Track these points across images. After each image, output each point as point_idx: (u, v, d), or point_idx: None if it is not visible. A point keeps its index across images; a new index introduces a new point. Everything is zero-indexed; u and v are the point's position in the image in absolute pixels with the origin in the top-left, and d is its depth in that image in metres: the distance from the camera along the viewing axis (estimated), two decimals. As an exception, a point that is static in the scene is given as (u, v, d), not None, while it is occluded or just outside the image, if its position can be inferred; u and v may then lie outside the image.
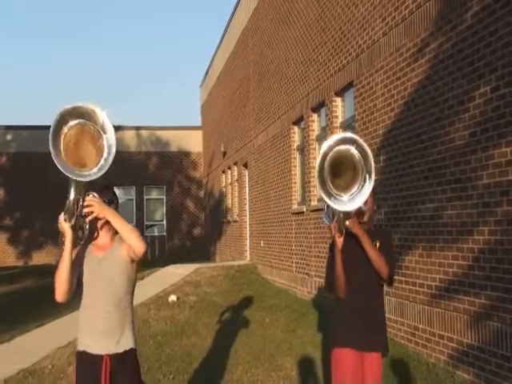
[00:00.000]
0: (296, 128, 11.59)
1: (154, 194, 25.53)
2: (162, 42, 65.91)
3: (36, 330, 8.85)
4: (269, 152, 13.36)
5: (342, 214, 3.19)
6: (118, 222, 2.99)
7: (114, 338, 3.06)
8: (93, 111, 2.80)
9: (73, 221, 2.92)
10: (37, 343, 7.85)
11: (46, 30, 60.28)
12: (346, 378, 3.36)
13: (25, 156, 24.20)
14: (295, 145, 11.57)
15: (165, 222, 25.55)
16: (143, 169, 24.64)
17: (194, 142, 25.56)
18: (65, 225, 2.93)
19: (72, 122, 2.77)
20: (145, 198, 25.20)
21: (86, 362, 3.07)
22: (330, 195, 3.06)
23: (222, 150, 19.42)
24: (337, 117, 9.28)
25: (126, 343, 3.10)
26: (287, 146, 11.82)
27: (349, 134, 3.26)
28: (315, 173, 3.08)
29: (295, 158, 11.54)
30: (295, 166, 11.51)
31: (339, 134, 3.23)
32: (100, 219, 3.05)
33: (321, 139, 10.14)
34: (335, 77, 9.12)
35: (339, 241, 3.26)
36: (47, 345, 7.54)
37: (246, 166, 16.21)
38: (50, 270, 17.92)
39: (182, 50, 65.78)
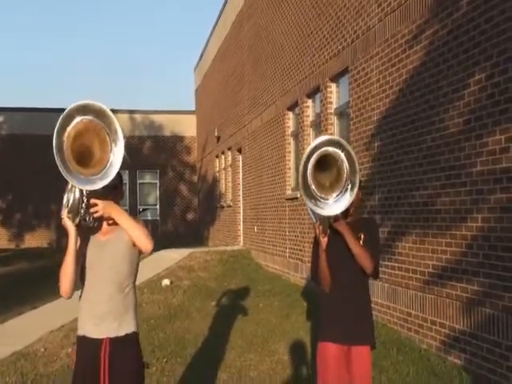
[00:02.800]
0: (290, 114, 11.57)
1: (148, 178, 25.47)
2: (156, 25, 65.35)
3: (29, 312, 8.87)
4: (263, 137, 13.33)
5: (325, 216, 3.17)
6: (124, 221, 2.92)
7: (116, 321, 3.03)
8: (107, 114, 2.71)
9: (77, 220, 2.84)
10: (30, 326, 7.87)
11: (40, 14, 59.60)
12: (329, 374, 3.33)
13: (17, 138, 24.05)
14: (289, 130, 11.55)
15: (158, 207, 25.54)
16: (137, 153, 24.53)
17: (187, 127, 25.47)
18: (68, 223, 2.86)
19: (78, 118, 2.68)
20: (138, 182, 25.14)
21: (86, 346, 3.04)
22: (312, 198, 3.02)
23: (216, 134, 19.36)
24: (331, 103, 9.26)
25: (127, 326, 3.06)
26: (281, 131, 11.79)
27: (337, 138, 3.25)
28: (299, 173, 3.03)
29: (289, 144, 11.53)
30: (289, 152, 11.50)
31: (327, 136, 3.18)
32: (106, 218, 2.98)
33: (315, 125, 10.13)
34: (330, 63, 9.08)
35: (323, 241, 3.21)
36: (40, 328, 7.55)
37: (239, 151, 16.18)
38: (42, 253, 18.01)
39: (176, 32, 65.27)
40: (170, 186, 25.48)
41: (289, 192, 11.35)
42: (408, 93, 6.53)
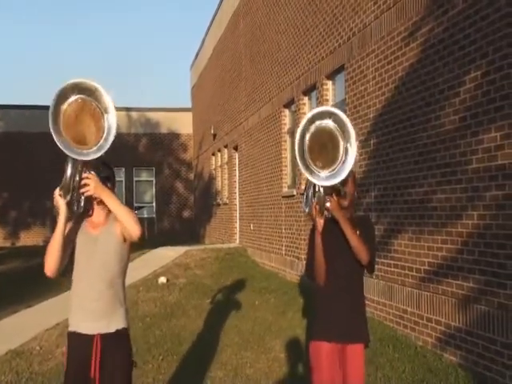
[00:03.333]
0: (287, 111, 11.56)
1: (144, 176, 25.44)
2: (153, 23, 65.21)
3: (24, 311, 8.85)
4: (259, 135, 13.32)
5: (323, 193, 3.14)
6: (113, 203, 2.94)
7: (106, 317, 3.05)
8: (96, 89, 2.74)
9: (68, 197, 2.86)
10: (25, 324, 7.85)
11: (36, 11, 59.38)
12: (324, 373, 3.31)
13: (13, 136, 23.97)
14: (286, 128, 11.54)
15: (154, 204, 25.50)
16: (133, 150, 24.50)
17: (184, 124, 25.43)
18: (60, 200, 2.87)
19: (73, 97, 2.72)
20: (134, 179, 25.10)
21: (77, 342, 3.07)
22: (310, 171, 3.02)
23: (212, 132, 19.33)
24: (327, 100, 9.26)
25: (117, 323, 3.08)
26: (278, 128, 11.79)
27: (324, 108, 3.21)
28: (295, 149, 3.04)
29: (286, 141, 11.52)
30: (286, 149, 11.49)
31: (315, 109, 3.16)
32: (96, 198, 2.99)
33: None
34: (326, 60, 9.08)
35: (319, 222, 3.18)
36: (35, 326, 7.54)
37: (236, 148, 16.17)
38: (37, 251, 17.89)
39: (172, 30, 65.13)
40: (166, 183, 25.44)
41: (285, 189, 11.35)
42: (404, 90, 6.53)
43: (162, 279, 10.89)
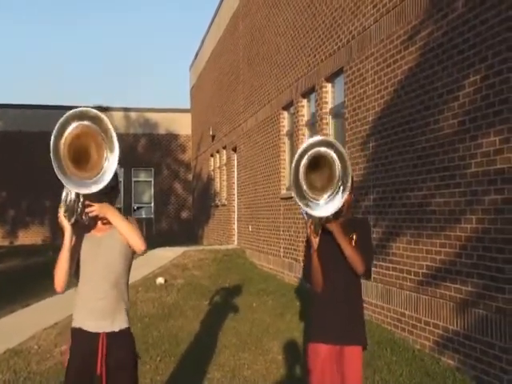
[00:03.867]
0: (285, 113, 11.57)
1: (142, 177, 25.43)
2: (152, 23, 65.22)
3: (22, 310, 8.85)
4: (258, 136, 13.34)
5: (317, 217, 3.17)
6: (117, 221, 3.03)
7: (110, 317, 3.11)
8: (108, 128, 2.80)
9: (73, 219, 2.93)
10: (23, 323, 7.85)
11: (35, 11, 59.33)
12: (321, 375, 3.32)
13: (11, 135, 23.95)
14: (284, 130, 11.55)
15: (152, 205, 25.49)
16: (131, 151, 24.49)
17: (182, 125, 25.43)
18: (65, 222, 2.94)
19: (75, 124, 2.77)
20: (133, 180, 25.09)
21: (82, 338, 3.12)
22: (304, 198, 3.03)
23: (211, 133, 19.34)
24: (326, 103, 9.27)
25: (120, 322, 3.15)
26: (276, 131, 11.80)
27: (330, 139, 3.24)
28: (291, 172, 3.04)
29: (284, 143, 11.53)
30: (284, 151, 11.50)
31: (320, 136, 3.19)
32: (101, 218, 3.08)
33: (310, 125, 10.14)
34: (325, 63, 9.09)
35: (315, 241, 3.21)
36: (33, 325, 7.54)
37: (234, 150, 16.18)
38: (36, 250, 17.91)
39: (172, 31, 65.15)
40: (165, 184, 25.44)
41: (283, 191, 11.36)
42: (403, 93, 6.54)
43: (160, 280, 10.90)
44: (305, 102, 10.45)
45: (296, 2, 10.61)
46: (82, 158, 2.83)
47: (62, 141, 2.74)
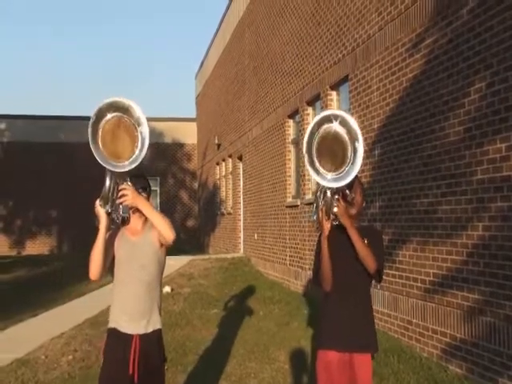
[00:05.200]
0: (291, 121, 11.59)
1: (148, 186, 25.45)
2: (158, 32, 65.60)
3: (29, 320, 8.86)
4: (263, 145, 13.35)
5: (330, 196, 3.13)
6: (149, 211, 3.16)
7: (144, 318, 3.28)
8: (129, 105, 2.93)
9: (108, 207, 3.06)
10: (30, 333, 7.85)
11: (41, 20, 59.83)
12: (330, 382, 3.30)
13: (19, 145, 24.07)
14: (290, 138, 11.57)
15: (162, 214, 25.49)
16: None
17: (188, 134, 25.50)
18: (100, 210, 3.07)
19: (109, 115, 2.91)
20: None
21: (116, 340, 3.27)
22: (317, 172, 3.03)
23: (217, 142, 19.38)
24: (332, 110, 9.27)
25: (154, 324, 3.32)
26: (282, 139, 11.81)
27: (329, 111, 3.20)
28: (303, 150, 3.05)
29: (290, 152, 11.54)
30: (290, 160, 11.51)
31: (322, 113, 3.16)
32: (133, 208, 3.19)
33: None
34: (330, 70, 9.11)
35: (326, 226, 3.17)
36: (41, 335, 7.54)
37: (240, 158, 16.20)
38: (43, 260, 17.94)
39: (177, 39, 65.49)
40: (171, 193, 25.48)
41: (289, 199, 11.35)
42: (408, 101, 6.55)
43: (167, 288, 10.89)
44: (310, 110, 10.47)
45: (301, 11, 10.66)
46: (118, 151, 2.95)
47: (100, 127, 2.89)
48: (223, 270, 13.27)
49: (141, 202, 3.15)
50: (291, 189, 11.45)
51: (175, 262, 14.05)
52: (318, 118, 3.08)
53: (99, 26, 62.47)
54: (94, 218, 3.11)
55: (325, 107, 9.36)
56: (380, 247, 3.44)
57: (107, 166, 2.93)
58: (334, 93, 9.28)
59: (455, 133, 5.63)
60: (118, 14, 63.42)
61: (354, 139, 3.04)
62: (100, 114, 2.90)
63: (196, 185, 25.37)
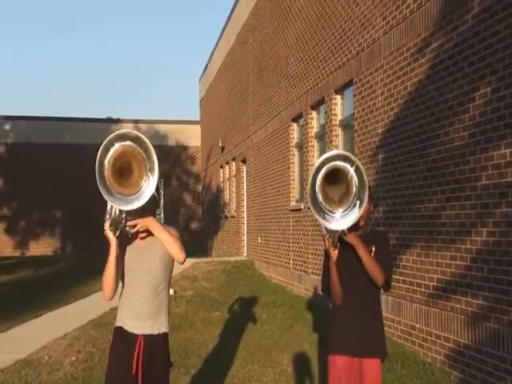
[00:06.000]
0: (295, 125, 11.60)
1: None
2: (163, 35, 65.75)
3: (33, 320, 8.88)
4: (267, 148, 13.36)
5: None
6: (159, 233, 3.22)
7: (150, 320, 3.31)
8: (148, 148, 2.98)
9: (118, 233, 3.12)
10: (34, 334, 7.87)
11: (45, 23, 60.04)
12: None
13: (23, 146, 24.17)
14: (294, 142, 11.57)
15: (162, 216, 25.43)
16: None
17: (192, 136, 25.56)
18: (110, 235, 3.12)
19: (117, 144, 2.94)
20: (142, 191, 25.17)
21: (122, 338, 3.32)
22: (320, 211, 3.05)
23: (221, 145, 19.41)
24: (336, 115, 9.29)
25: (160, 326, 3.33)
26: (286, 142, 11.82)
27: (347, 153, 3.23)
28: (308, 185, 3.06)
29: (294, 155, 11.55)
30: (293, 163, 11.51)
31: (337, 150, 3.22)
32: (144, 231, 3.26)
33: (320, 137, 10.15)
34: (335, 74, 9.12)
35: (333, 254, 3.23)
36: (44, 336, 7.56)
37: (244, 161, 16.21)
38: (46, 261, 18.01)
39: (182, 43, 65.62)
40: (175, 195, 25.53)
41: (293, 203, 11.36)
42: (413, 105, 6.54)
43: (170, 291, 10.88)
44: (314, 113, 10.48)
45: (306, 15, 10.67)
46: (124, 176, 3.01)
47: (106, 161, 2.92)
48: (226, 272, 13.27)
49: (151, 225, 3.20)
50: (295, 192, 11.46)
51: (178, 265, 14.04)
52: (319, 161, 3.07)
53: (100, 26, 62.62)
54: (104, 240, 3.14)
55: (329, 111, 9.37)
56: (388, 255, 3.46)
57: (116, 205, 2.98)
58: (338, 97, 9.28)
59: (460, 138, 5.62)
60: (121, 14, 63.58)
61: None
62: (108, 145, 2.92)
63: (200, 187, 25.40)
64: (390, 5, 7.12)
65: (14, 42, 59.63)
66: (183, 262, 3.25)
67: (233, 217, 17.77)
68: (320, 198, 3.05)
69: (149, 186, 3.01)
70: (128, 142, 2.95)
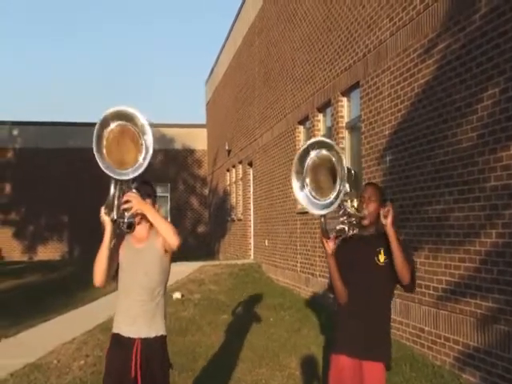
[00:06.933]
0: (301, 127, 11.58)
1: (159, 191, 25.32)
2: (169, 38, 65.94)
3: (41, 324, 8.91)
4: (274, 151, 13.35)
5: (324, 217, 3.15)
6: (154, 217, 3.18)
7: (147, 323, 3.31)
8: (133, 114, 3.02)
9: (113, 214, 3.11)
10: (42, 338, 7.89)
11: (45, 23, 60.33)
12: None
13: (30, 151, 24.27)
14: (300, 144, 11.55)
15: (169, 220, 25.53)
16: (148, 166, 24.61)
17: (198, 140, 25.59)
18: (105, 218, 3.11)
19: (113, 124, 3.00)
20: (149, 195, 25.21)
21: (119, 344, 3.32)
22: (307, 196, 3.13)
23: (227, 148, 19.42)
24: (342, 117, 9.27)
25: (156, 329, 3.34)
26: (292, 145, 11.81)
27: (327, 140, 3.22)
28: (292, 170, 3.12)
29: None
30: (300, 166, 11.47)
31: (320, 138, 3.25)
32: (138, 214, 3.23)
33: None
34: (341, 77, 9.10)
35: (327, 245, 3.19)
36: (52, 340, 7.57)
37: (250, 164, 16.21)
38: (54, 266, 18.05)
39: (188, 46, 65.78)
40: (181, 199, 25.55)
41: (300, 206, 11.33)
42: (420, 107, 6.52)
43: (177, 294, 10.89)
44: (321, 116, 10.46)
45: (312, 17, 10.66)
46: (122, 158, 3.04)
47: (104, 135, 2.97)
48: (233, 276, 13.25)
49: (145, 208, 3.18)
50: (302, 195, 11.40)
51: (186, 268, 14.05)
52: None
53: (106, 30, 62.88)
54: (100, 225, 3.15)
55: (335, 113, 9.35)
56: (408, 255, 3.41)
57: (111, 174, 3.00)
58: (344, 99, 9.26)
59: (468, 139, 5.59)
60: (127, 17, 63.83)
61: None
62: (104, 123, 2.98)
63: (206, 191, 25.41)
64: (397, 6, 7.10)
65: (14, 42, 59.89)
66: (178, 246, 3.21)
67: (239, 220, 17.76)
68: (308, 180, 3.11)
69: (145, 160, 3.04)
70: (123, 122, 3.01)
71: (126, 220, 3.17)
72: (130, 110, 3.01)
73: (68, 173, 24.09)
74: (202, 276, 13.17)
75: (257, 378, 5.91)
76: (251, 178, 16.19)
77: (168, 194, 25.56)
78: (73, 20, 60.07)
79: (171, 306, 9.99)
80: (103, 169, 2.94)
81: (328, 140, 3.17)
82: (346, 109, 9.27)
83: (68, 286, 13.64)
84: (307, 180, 3.11)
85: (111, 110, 2.99)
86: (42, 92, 58.20)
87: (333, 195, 3.01)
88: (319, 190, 3.10)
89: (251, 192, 16.23)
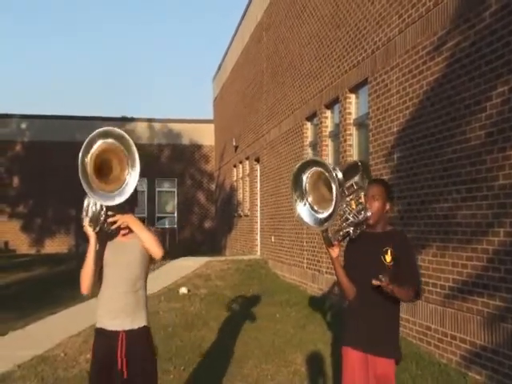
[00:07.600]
0: (309, 124, 11.57)
1: (166, 187, 25.61)
2: (177, 35, 65.92)
3: (48, 317, 8.98)
4: (281, 147, 13.35)
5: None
6: (139, 230, 3.29)
7: (129, 316, 3.37)
8: (130, 143, 3.06)
9: (97, 228, 3.22)
10: (49, 331, 7.95)
11: (45, 23, 60.41)
12: (354, 376, 3.34)
13: (38, 144, 24.35)
14: (308, 141, 11.55)
15: (176, 215, 25.62)
16: (155, 161, 24.69)
17: (206, 135, 25.59)
18: (89, 231, 3.23)
19: (103, 140, 3.05)
20: (156, 190, 25.29)
21: (103, 337, 3.37)
22: (308, 208, 3.15)
23: (234, 144, 19.42)
24: (350, 114, 9.25)
25: (139, 321, 3.40)
26: (300, 141, 11.80)
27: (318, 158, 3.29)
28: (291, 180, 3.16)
29: (307, 154, 11.52)
30: (308, 162, 11.46)
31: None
32: (124, 228, 3.35)
33: (334, 136, 10.12)
34: (350, 73, 9.08)
35: (331, 251, 3.24)
36: (60, 333, 7.64)
37: (257, 160, 16.21)
38: (62, 259, 18.11)
39: (196, 41, 65.74)
40: (188, 194, 25.58)
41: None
42: (429, 104, 6.50)
43: (183, 290, 10.93)
44: (328, 112, 10.44)
45: (320, 13, 10.64)
46: (106, 172, 3.10)
47: (89, 157, 3.03)
48: (240, 271, 13.27)
49: (130, 221, 3.27)
50: (309, 191, 11.40)
51: (192, 263, 14.10)
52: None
53: (115, 24, 62.92)
54: (83, 234, 3.24)
55: (343, 110, 9.33)
56: (412, 261, 3.44)
57: (97, 200, 3.08)
58: (353, 96, 9.24)
59: (476, 137, 5.57)
60: (137, 12, 63.82)
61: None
62: (88, 146, 3.02)
63: (213, 186, 25.44)
64: (406, 3, 7.07)
65: (14, 42, 59.99)
66: (160, 257, 3.32)
67: (246, 216, 17.78)
68: (309, 195, 3.14)
69: (130, 182, 3.08)
70: (110, 140, 3.04)
71: (109, 232, 3.29)
72: (123, 133, 3.05)
73: (75, 166, 24.13)
74: (209, 271, 13.21)
75: (262, 373, 5.93)
76: (258, 174, 16.19)
77: (175, 189, 25.60)
78: (73, 20, 60.11)
79: (177, 301, 10.04)
80: (87, 193, 3.01)
81: (311, 158, 3.24)
82: (354, 106, 9.25)
83: (75, 279, 13.58)
84: (309, 199, 3.16)
85: (101, 129, 3.04)
86: (42, 92, 58.29)
87: (331, 208, 3.04)
88: (321, 203, 3.14)
89: (258, 188, 16.24)
